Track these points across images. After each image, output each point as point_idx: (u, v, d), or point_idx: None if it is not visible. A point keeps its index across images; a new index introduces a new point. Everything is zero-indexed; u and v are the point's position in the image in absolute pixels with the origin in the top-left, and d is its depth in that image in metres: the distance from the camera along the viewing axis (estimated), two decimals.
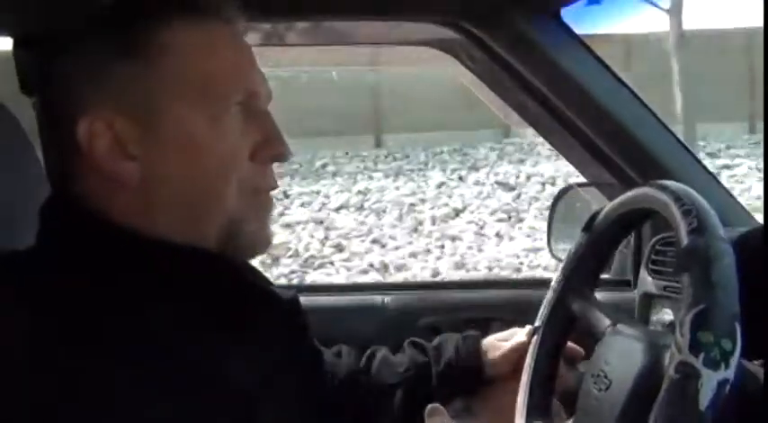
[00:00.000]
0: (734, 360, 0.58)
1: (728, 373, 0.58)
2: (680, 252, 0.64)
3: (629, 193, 0.80)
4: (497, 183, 7.51)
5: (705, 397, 0.57)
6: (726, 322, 0.59)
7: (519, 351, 0.92)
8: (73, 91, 0.61)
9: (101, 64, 0.61)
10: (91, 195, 0.62)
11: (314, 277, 5.00)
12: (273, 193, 0.70)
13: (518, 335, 0.94)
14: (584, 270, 0.87)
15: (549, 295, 0.89)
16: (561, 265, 0.90)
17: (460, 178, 7.91)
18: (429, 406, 0.76)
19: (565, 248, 1.15)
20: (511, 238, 5.86)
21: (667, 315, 1.06)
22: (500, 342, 0.95)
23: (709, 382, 0.57)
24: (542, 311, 0.90)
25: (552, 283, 0.90)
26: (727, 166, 7.84)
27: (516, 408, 0.86)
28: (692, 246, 0.63)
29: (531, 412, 0.85)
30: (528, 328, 0.93)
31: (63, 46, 0.62)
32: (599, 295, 1.25)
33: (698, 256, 0.62)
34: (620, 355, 0.72)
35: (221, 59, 0.64)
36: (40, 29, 0.64)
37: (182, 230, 0.63)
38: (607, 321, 0.77)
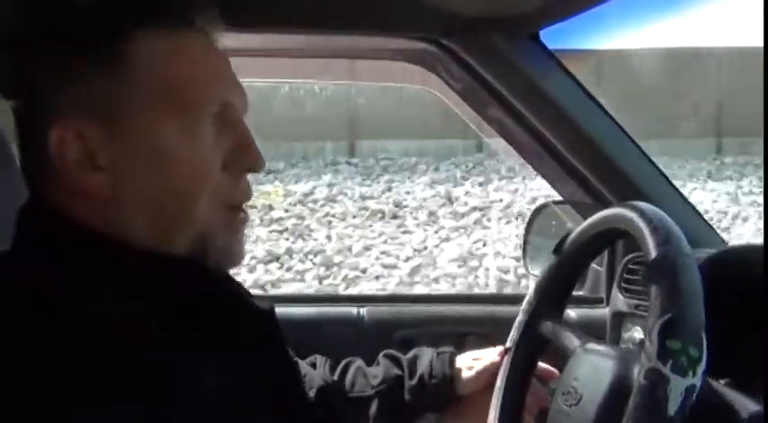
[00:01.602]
0: (700, 367, 0.60)
1: (695, 379, 0.60)
2: (648, 264, 0.66)
3: (598, 215, 0.81)
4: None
5: (674, 403, 0.59)
6: (693, 331, 0.61)
7: (491, 371, 0.93)
8: (45, 98, 0.61)
9: (72, 71, 0.60)
10: (62, 203, 0.62)
11: None
12: (246, 207, 0.69)
13: (490, 354, 0.95)
14: (554, 292, 0.89)
15: (519, 317, 0.91)
16: (531, 287, 0.91)
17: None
18: None
19: (541, 265, 1.16)
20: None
21: (638, 333, 1.08)
22: (473, 361, 0.96)
23: (677, 389, 0.59)
24: (513, 333, 0.91)
25: (523, 305, 0.91)
26: None
27: None
28: (660, 258, 0.65)
29: None
30: (499, 348, 0.94)
31: (36, 51, 0.61)
32: (572, 312, 1.28)
33: (665, 268, 0.64)
34: (590, 371, 0.73)
35: (194, 69, 0.63)
36: (11, 34, 0.63)
37: (153, 241, 0.62)
38: (577, 341, 0.79)
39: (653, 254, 0.65)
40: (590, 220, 0.83)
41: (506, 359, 0.90)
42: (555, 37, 1.15)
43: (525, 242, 1.33)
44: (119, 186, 0.61)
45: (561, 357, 0.81)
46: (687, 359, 0.60)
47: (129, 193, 0.61)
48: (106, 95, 0.60)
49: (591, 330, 1.14)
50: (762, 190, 7.35)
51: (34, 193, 0.65)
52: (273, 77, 1.39)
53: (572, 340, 0.80)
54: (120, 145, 0.61)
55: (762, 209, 6.41)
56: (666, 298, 0.62)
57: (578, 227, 0.86)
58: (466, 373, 0.94)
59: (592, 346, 0.77)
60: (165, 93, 0.61)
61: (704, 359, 0.61)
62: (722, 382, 0.74)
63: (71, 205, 0.62)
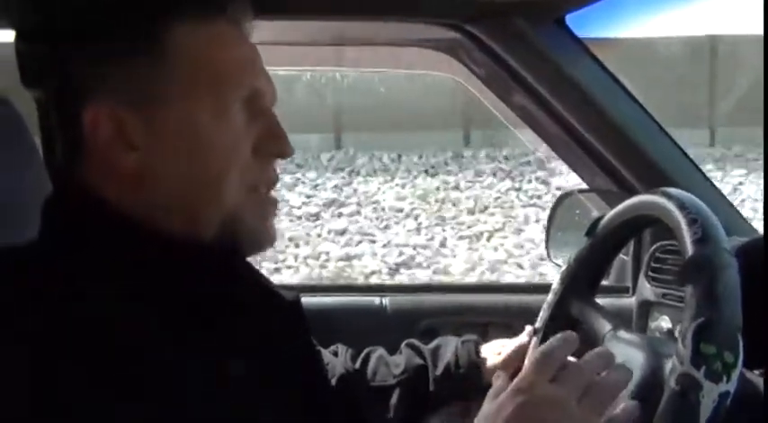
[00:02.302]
0: (735, 373, 0.58)
1: (730, 385, 0.57)
2: (684, 263, 0.63)
3: (634, 200, 0.79)
4: None
5: (706, 409, 0.57)
6: (729, 335, 0.59)
7: (518, 358, 0.92)
8: (77, 83, 0.62)
9: (108, 57, 0.61)
10: (92, 186, 0.63)
11: None
12: (275, 191, 0.70)
13: (516, 342, 0.94)
14: (585, 274, 0.87)
15: (549, 297, 0.89)
16: (563, 268, 0.90)
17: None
18: None
19: (563, 255, 1.15)
20: None
21: (665, 322, 1.06)
22: (499, 348, 0.95)
23: (711, 395, 0.57)
24: (542, 314, 0.90)
25: (553, 286, 0.90)
26: None
27: None
28: (697, 256, 0.62)
29: None
30: (528, 328, 0.93)
31: (69, 39, 0.62)
32: (598, 301, 1.26)
33: (703, 268, 0.62)
34: (621, 360, 0.72)
35: (228, 56, 0.65)
36: (46, 21, 0.64)
37: (180, 224, 0.63)
38: (608, 326, 0.77)
39: (690, 251, 0.63)
40: (624, 203, 0.81)
41: (534, 340, 0.89)
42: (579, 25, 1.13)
43: (548, 231, 1.32)
44: (150, 167, 0.62)
45: (591, 340, 0.79)
46: (722, 364, 0.58)
47: (160, 174, 0.62)
48: (141, 80, 0.61)
49: (618, 320, 1.14)
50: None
51: (61, 183, 0.66)
52: (297, 65, 1.39)
53: (603, 325, 0.78)
54: (153, 127, 0.62)
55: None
56: (703, 299, 0.60)
57: (611, 211, 0.84)
58: (492, 361, 0.93)
59: (623, 333, 0.76)
60: (199, 77, 0.63)
61: (740, 364, 0.58)
62: (757, 372, 0.72)
63: (102, 187, 0.62)
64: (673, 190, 0.71)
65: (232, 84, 0.64)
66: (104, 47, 0.61)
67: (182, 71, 0.62)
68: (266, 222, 0.68)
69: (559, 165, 1.33)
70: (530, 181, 7.10)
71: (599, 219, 0.87)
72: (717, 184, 1.27)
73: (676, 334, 0.70)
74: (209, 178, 0.63)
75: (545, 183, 6.87)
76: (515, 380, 0.61)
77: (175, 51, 0.62)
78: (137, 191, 0.62)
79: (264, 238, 0.68)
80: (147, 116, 0.61)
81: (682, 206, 0.67)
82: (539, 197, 6.55)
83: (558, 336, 0.60)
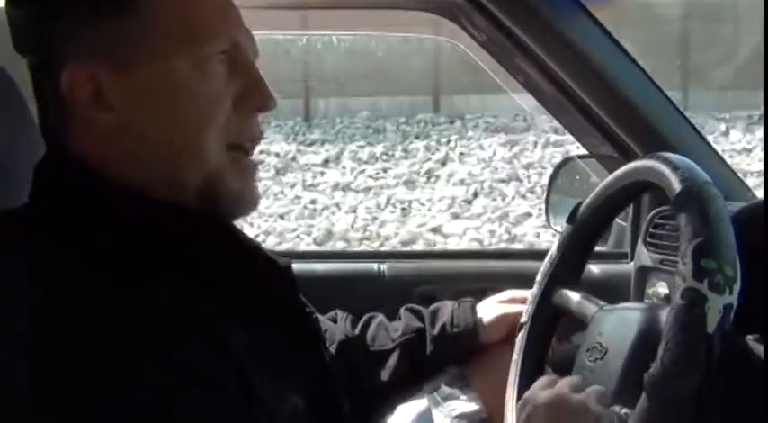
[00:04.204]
0: (736, 286, 0.60)
1: (732, 298, 0.60)
2: (675, 197, 0.66)
3: (611, 177, 0.81)
4: None
5: (712, 320, 0.59)
6: (727, 250, 0.61)
7: (513, 316, 0.92)
8: (58, 44, 0.61)
9: (84, 16, 0.61)
10: (75, 148, 0.63)
11: None
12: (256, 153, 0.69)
13: (511, 299, 0.95)
14: (568, 262, 0.87)
15: (534, 290, 0.89)
16: (546, 258, 0.90)
17: None
18: None
19: (562, 221, 1.15)
20: None
21: (663, 288, 1.06)
22: (495, 306, 0.96)
23: (716, 306, 0.59)
24: (528, 307, 0.89)
25: (537, 277, 0.89)
26: None
27: (506, 399, 0.86)
28: (685, 189, 0.65)
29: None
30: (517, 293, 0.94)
31: (52, 2, 0.62)
32: (595, 268, 1.26)
33: (692, 197, 0.64)
34: (616, 324, 0.72)
35: (205, 7, 0.64)
36: None
37: (161, 182, 0.63)
38: (594, 308, 0.77)
39: (677, 188, 0.65)
40: (601, 185, 0.82)
41: (522, 334, 0.89)
42: None
43: (548, 198, 1.31)
44: (129, 125, 0.62)
45: (579, 325, 0.80)
46: (723, 277, 0.60)
47: (139, 133, 0.62)
48: (117, 36, 0.61)
49: (615, 285, 1.14)
50: None
51: (49, 145, 0.66)
52: (292, 29, 1.37)
53: (589, 308, 0.78)
54: (130, 84, 0.61)
55: None
56: (698, 222, 0.62)
57: (593, 192, 0.84)
58: (488, 318, 0.94)
59: (610, 306, 0.76)
60: (176, 31, 0.62)
61: (739, 279, 0.60)
62: (751, 337, 0.72)
63: (84, 148, 0.62)
64: (656, 153, 0.72)
65: (210, 37, 0.63)
66: (79, 5, 0.61)
67: (157, 26, 0.61)
68: (248, 184, 0.67)
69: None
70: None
71: (578, 205, 0.86)
72: None
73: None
74: (189, 136, 0.62)
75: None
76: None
77: (150, 5, 0.61)
78: (117, 151, 0.62)
79: (248, 201, 0.67)
80: (124, 74, 0.61)
81: (665, 161, 0.69)
82: None
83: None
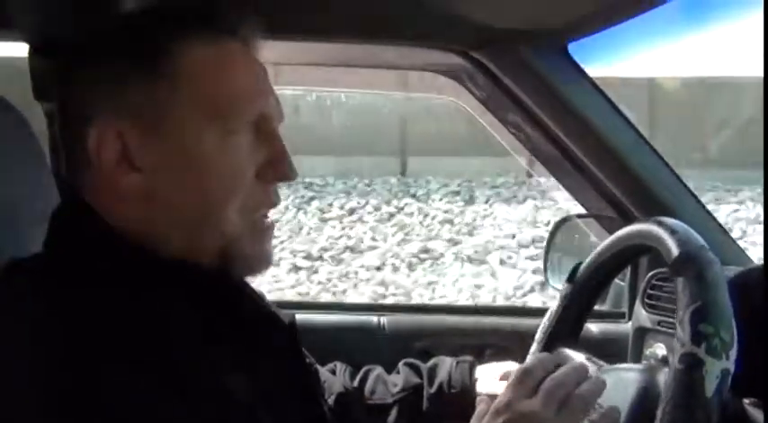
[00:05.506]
0: (733, 352, 0.61)
1: (729, 363, 0.60)
2: (672, 261, 0.67)
3: (611, 238, 0.82)
4: None
5: (711, 384, 0.59)
6: (724, 315, 0.62)
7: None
8: (86, 100, 0.62)
9: (116, 76, 0.61)
10: (95, 203, 0.63)
11: None
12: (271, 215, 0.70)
13: (511, 366, 0.94)
14: (568, 320, 0.89)
15: (533, 348, 0.90)
16: (545, 318, 0.91)
17: None
18: None
19: (561, 280, 1.16)
20: None
21: (660, 350, 1.07)
22: (493, 371, 0.95)
23: (713, 370, 0.60)
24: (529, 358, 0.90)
25: (537, 335, 0.90)
26: None
27: None
28: (683, 253, 0.66)
29: None
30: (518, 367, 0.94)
31: (80, 56, 0.63)
32: (594, 327, 1.27)
33: (690, 262, 0.66)
34: (613, 385, 0.72)
35: (236, 79, 0.64)
36: (58, 38, 0.65)
37: (180, 245, 0.63)
38: (593, 368, 0.78)
39: (675, 252, 0.67)
40: (601, 246, 0.84)
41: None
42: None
43: (547, 256, 1.32)
44: (154, 188, 0.62)
45: None
46: (720, 342, 0.60)
47: (162, 197, 0.62)
48: (148, 101, 0.61)
49: (613, 345, 1.15)
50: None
51: (66, 196, 0.67)
52: (303, 85, 1.41)
53: (589, 368, 0.79)
54: (158, 148, 0.62)
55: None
56: (695, 286, 0.63)
57: (593, 252, 0.86)
58: (485, 383, 0.94)
59: (609, 366, 0.77)
60: (206, 101, 0.62)
61: (735, 345, 0.61)
62: (747, 401, 0.73)
63: (105, 205, 0.63)
64: (653, 217, 0.74)
65: (240, 108, 0.64)
66: (113, 65, 0.61)
67: (189, 93, 0.62)
68: (263, 247, 0.68)
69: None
70: None
71: (578, 265, 0.88)
72: None
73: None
74: (210, 202, 0.63)
75: None
76: (495, 401, 0.64)
77: (184, 73, 0.62)
78: (139, 211, 0.62)
79: (260, 263, 0.68)
80: (152, 137, 0.61)
81: (663, 225, 0.71)
82: None
83: (535, 355, 0.63)
